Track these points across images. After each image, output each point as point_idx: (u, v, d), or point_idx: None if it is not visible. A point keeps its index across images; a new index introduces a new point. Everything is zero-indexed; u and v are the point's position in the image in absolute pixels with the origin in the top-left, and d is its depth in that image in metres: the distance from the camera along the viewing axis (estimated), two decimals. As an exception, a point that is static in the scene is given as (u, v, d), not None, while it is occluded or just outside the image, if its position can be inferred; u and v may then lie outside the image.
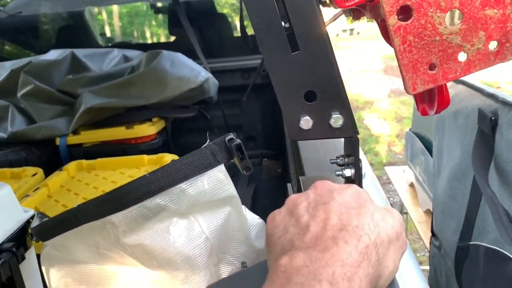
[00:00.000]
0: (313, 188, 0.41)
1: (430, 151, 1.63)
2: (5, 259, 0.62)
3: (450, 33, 0.39)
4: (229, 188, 0.50)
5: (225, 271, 0.53)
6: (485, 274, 0.94)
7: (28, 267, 0.68)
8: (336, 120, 0.47)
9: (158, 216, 0.50)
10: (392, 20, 0.39)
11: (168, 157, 1.27)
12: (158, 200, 0.49)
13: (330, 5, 0.49)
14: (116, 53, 1.77)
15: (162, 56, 1.51)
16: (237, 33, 2.22)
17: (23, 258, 0.67)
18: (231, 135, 0.49)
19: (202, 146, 0.49)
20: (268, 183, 1.76)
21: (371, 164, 3.90)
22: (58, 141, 1.49)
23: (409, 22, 0.39)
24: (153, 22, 4.02)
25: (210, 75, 1.60)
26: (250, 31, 1.90)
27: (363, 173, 0.51)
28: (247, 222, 0.53)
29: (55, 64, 1.63)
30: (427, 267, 1.77)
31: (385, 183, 3.45)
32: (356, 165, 0.50)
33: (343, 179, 0.53)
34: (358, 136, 0.49)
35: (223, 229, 0.51)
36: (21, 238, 0.68)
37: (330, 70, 0.46)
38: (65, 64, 1.65)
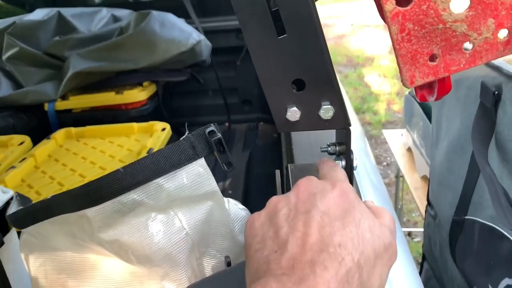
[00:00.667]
0: (295, 189, 0.38)
1: (429, 116, 1.58)
2: (-18, 246, 0.59)
3: (455, 20, 0.35)
4: (210, 182, 0.46)
5: (208, 265, 0.51)
6: (479, 249, 0.93)
7: (8, 251, 0.66)
8: (326, 111, 0.43)
9: (135, 211, 0.47)
10: (389, 6, 0.34)
11: (158, 125, 1.23)
12: (134, 195, 0.45)
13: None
14: (105, 13, 1.68)
15: (151, 17, 1.43)
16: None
17: (2, 242, 0.65)
18: (212, 127, 0.45)
19: (181, 138, 0.45)
20: (264, 148, 1.73)
21: (370, 124, 3.87)
22: (46, 106, 1.44)
23: (408, 8, 0.34)
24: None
25: (202, 37, 1.53)
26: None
27: (354, 165, 0.47)
28: (230, 217, 0.50)
29: (41, 24, 1.55)
30: (421, 229, 1.77)
31: (383, 142, 3.43)
32: (348, 156, 0.47)
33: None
34: (350, 126, 0.45)
35: (205, 224, 0.49)
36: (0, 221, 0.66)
37: (320, 56, 0.42)
38: (52, 24, 1.58)
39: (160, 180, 0.45)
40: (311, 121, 0.44)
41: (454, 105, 1.02)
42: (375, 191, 0.63)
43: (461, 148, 0.98)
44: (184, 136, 0.46)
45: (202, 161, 0.46)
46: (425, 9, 0.34)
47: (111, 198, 0.45)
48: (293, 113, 0.43)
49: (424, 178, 1.71)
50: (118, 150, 1.14)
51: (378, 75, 5.02)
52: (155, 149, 1.09)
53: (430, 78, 0.37)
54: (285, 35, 0.41)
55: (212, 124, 0.46)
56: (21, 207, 0.59)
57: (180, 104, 1.87)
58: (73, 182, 1.01)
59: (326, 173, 0.43)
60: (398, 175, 2.01)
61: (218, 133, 0.44)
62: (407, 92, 1.91)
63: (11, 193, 0.71)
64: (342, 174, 0.42)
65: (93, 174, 1.03)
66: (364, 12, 7.69)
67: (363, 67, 5.29)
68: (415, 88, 0.47)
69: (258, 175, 1.52)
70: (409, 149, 1.91)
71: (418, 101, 0.46)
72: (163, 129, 1.21)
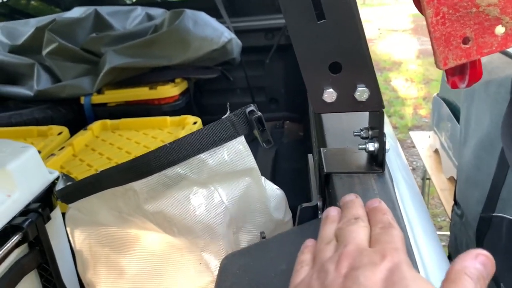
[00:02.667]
0: (337, 259, 0.33)
1: (457, 117, 1.58)
2: (32, 220, 0.64)
3: (488, 4, 0.37)
4: (249, 159, 0.49)
5: (244, 240, 0.54)
6: (508, 247, 0.93)
7: (54, 227, 0.71)
8: (362, 93, 0.45)
9: (179, 184, 0.50)
10: (426, -10, 0.36)
11: (190, 119, 1.27)
12: (179, 169, 0.49)
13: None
14: (140, 11, 1.74)
15: (185, 15, 1.48)
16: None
17: (49, 218, 0.69)
18: (252, 107, 0.48)
19: (223, 117, 0.48)
20: (290, 146, 1.75)
21: (396, 128, 3.84)
22: (82, 100, 1.50)
23: (444, -8, 0.36)
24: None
25: (233, 35, 1.57)
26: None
27: (387, 147, 0.49)
28: (266, 193, 0.53)
29: (79, 22, 1.62)
30: (447, 233, 1.76)
31: (409, 146, 3.40)
32: (380, 139, 0.49)
33: (366, 153, 0.52)
34: (383, 108, 0.48)
35: (242, 199, 0.52)
36: (47, 198, 0.70)
37: (357, 41, 0.44)
38: (89, 22, 1.64)
39: (203, 156, 0.48)
40: (347, 103, 0.46)
41: (483, 103, 1.03)
42: (410, 190, 0.64)
43: (490, 145, 0.98)
44: (225, 115, 0.49)
45: (242, 139, 0.49)
46: (459, -7, 0.36)
47: (158, 171, 0.48)
48: (330, 95, 0.46)
49: (451, 179, 1.70)
50: (152, 141, 1.18)
51: (405, 80, 4.98)
52: (187, 141, 1.13)
53: (462, 60, 0.39)
54: (324, 20, 0.44)
55: (252, 104, 0.49)
56: (69, 183, 0.63)
57: (209, 101, 1.91)
58: (109, 169, 1.05)
59: (378, 236, 0.35)
60: (425, 177, 2.00)
61: (258, 112, 0.47)
62: (435, 94, 1.91)
63: (56, 173, 0.76)
64: (399, 239, 0.34)
65: (128, 162, 1.07)
66: (392, 17, 7.64)
67: (390, 72, 5.26)
68: (446, 74, 0.49)
69: (284, 170, 1.55)
70: (436, 151, 1.90)
71: (449, 87, 0.48)
72: (195, 123, 1.25)
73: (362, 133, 0.53)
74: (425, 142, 2.04)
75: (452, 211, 1.37)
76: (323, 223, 0.41)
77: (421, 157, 1.98)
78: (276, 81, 1.97)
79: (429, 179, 1.92)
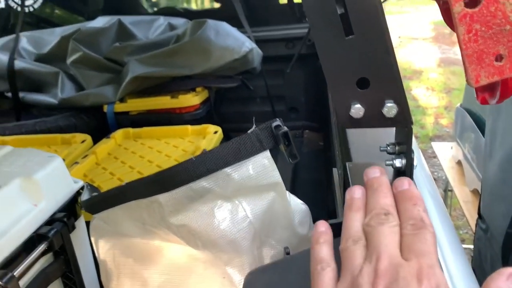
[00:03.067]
0: (374, 250, 0.33)
1: (481, 129, 1.55)
2: (57, 229, 0.64)
3: (523, 21, 0.36)
4: (274, 174, 0.49)
5: (268, 255, 0.54)
6: (535, 263, 0.91)
7: (78, 236, 0.71)
8: (390, 109, 0.45)
9: (203, 198, 0.50)
10: (458, 8, 0.36)
11: (211, 128, 1.28)
12: (204, 183, 0.49)
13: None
14: (162, 21, 1.77)
15: (207, 25, 1.49)
16: (283, 1, 2.16)
17: (74, 227, 0.70)
18: (278, 121, 0.48)
19: (248, 131, 0.48)
20: (310, 156, 1.74)
21: (417, 137, 3.80)
22: (105, 108, 1.52)
23: (476, 9, 0.36)
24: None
25: (254, 45, 1.58)
26: (296, -2, 1.85)
27: (414, 163, 0.49)
28: (291, 208, 0.52)
29: (103, 31, 1.65)
30: (470, 246, 1.72)
31: (430, 157, 3.35)
32: (408, 155, 0.48)
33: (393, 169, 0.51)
34: (412, 124, 0.47)
35: (266, 213, 0.51)
36: (72, 208, 0.71)
37: (386, 56, 0.44)
38: (112, 31, 1.67)
39: (228, 170, 0.48)
40: (375, 119, 0.46)
41: (511, 116, 1.01)
42: (433, 201, 0.63)
43: (517, 159, 0.96)
44: (251, 130, 0.49)
45: (267, 153, 0.49)
46: (493, 10, 0.36)
47: (183, 184, 0.48)
48: (357, 110, 0.45)
49: (474, 192, 1.67)
50: (174, 150, 1.19)
51: (426, 89, 4.93)
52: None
53: (495, 78, 0.39)
54: (352, 36, 0.43)
55: (277, 119, 0.49)
56: (95, 194, 0.64)
57: (229, 110, 1.92)
58: (132, 178, 1.06)
59: (411, 241, 0.34)
60: (447, 189, 1.97)
61: (284, 127, 0.47)
62: (458, 105, 1.88)
63: (81, 183, 0.77)
64: (431, 245, 0.34)
65: (151, 171, 1.08)
66: (412, 25, 7.57)
67: (411, 80, 5.20)
68: (476, 90, 0.48)
69: (304, 181, 1.54)
70: (458, 163, 1.87)
71: (479, 103, 0.47)
72: (215, 132, 1.26)
73: (388, 148, 0.52)
74: (447, 153, 2.01)
75: (476, 225, 1.34)
76: (347, 209, 0.39)
77: (443, 168, 1.95)
78: (296, 90, 1.97)
79: (451, 190, 1.89)
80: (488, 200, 1.19)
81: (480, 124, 1.56)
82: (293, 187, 1.48)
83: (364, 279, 0.32)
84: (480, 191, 1.34)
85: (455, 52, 5.61)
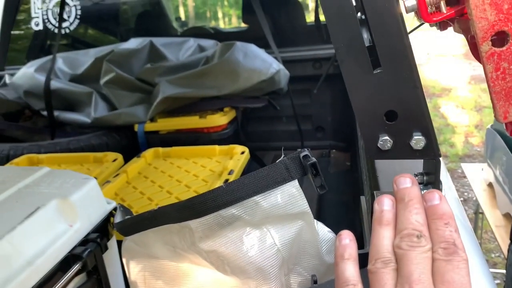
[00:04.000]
0: (405, 277, 0.33)
1: (513, 151, 1.52)
2: (91, 249, 0.67)
3: (552, 60, 0.36)
4: (302, 203, 0.50)
5: (295, 282, 0.54)
6: None
7: (110, 257, 0.74)
8: (418, 141, 0.45)
9: (233, 225, 0.51)
10: (486, 47, 0.36)
11: (238, 149, 1.30)
12: (233, 210, 0.50)
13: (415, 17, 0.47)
14: (192, 43, 1.81)
15: (236, 47, 1.53)
16: (310, 20, 2.19)
17: (106, 248, 0.72)
18: (306, 152, 0.49)
19: (277, 161, 0.49)
20: (336, 176, 1.74)
21: (446, 156, 3.72)
22: (136, 127, 1.57)
23: (504, 48, 0.36)
24: (225, 3, 4.20)
25: (281, 66, 1.60)
26: (323, 19, 1.87)
27: (443, 194, 0.49)
28: (319, 237, 0.53)
29: (135, 53, 1.70)
30: (502, 271, 1.67)
31: (460, 176, 3.28)
32: (436, 186, 0.48)
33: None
34: (440, 156, 0.47)
35: (294, 242, 0.52)
36: (105, 228, 0.74)
37: (414, 89, 0.44)
38: (144, 53, 1.73)
39: (257, 198, 0.49)
40: (402, 150, 0.46)
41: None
42: (461, 226, 0.62)
43: (551, 185, 0.94)
44: (280, 159, 0.50)
45: (295, 183, 0.50)
46: (521, 49, 0.36)
47: (213, 211, 0.50)
48: (385, 142, 0.46)
49: (506, 216, 1.62)
50: (201, 170, 1.21)
51: (456, 106, 4.84)
52: (235, 171, 1.15)
53: (524, 113, 0.39)
54: (380, 70, 0.44)
55: (306, 149, 0.50)
56: (128, 216, 0.66)
57: (255, 129, 1.94)
58: (161, 197, 1.09)
59: (443, 268, 0.34)
60: (478, 212, 1.92)
61: (313, 158, 0.48)
62: (489, 126, 1.85)
63: (114, 204, 0.79)
64: (464, 273, 0.33)
65: (179, 191, 1.10)
66: (441, 41, 7.48)
67: (439, 98, 5.13)
68: (506, 125, 0.48)
69: (331, 202, 1.53)
70: (490, 185, 1.82)
71: (508, 135, 0.47)
72: (242, 152, 1.28)
73: (417, 178, 0.52)
74: (478, 174, 1.96)
75: (508, 250, 1.30)
76: (375, 223, 0.38)
77: (474, 191, 1.90)
78: (323, 109, 1.98)
79: (482, 213, 1.84)
80: (520, 226, 1.16)
81: (511, 146, 1.52)
82: (319, 208, 1.48)
83: None
84: (512, 215, 1.31)
85: (486, 70, 5.50)
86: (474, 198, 1.96)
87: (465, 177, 2.49)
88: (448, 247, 0.34)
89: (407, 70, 0.44)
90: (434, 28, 0.52)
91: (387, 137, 0.46)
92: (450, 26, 0.51)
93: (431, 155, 0.46)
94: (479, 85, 5.25)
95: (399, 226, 0.38)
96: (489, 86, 0.39)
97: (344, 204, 1.48)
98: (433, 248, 0.35)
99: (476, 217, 1.97)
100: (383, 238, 0.37)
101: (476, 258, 0.61)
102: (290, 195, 0.50)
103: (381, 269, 0.35)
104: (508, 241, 1.32)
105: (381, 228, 0.37)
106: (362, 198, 0.62)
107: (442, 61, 6.62)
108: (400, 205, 0.39)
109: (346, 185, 1.61)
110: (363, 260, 0.47)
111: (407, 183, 0.40)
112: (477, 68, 5.79)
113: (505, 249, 1.40)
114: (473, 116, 4.54)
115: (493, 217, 1.67)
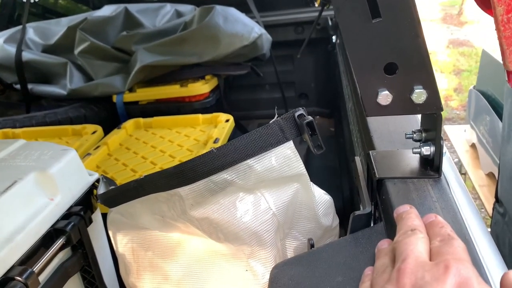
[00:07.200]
0: (397, 275, 0.32)
1: (496, 111, 1.52)
2: (74, 223, 0.64)
3: None
4: (298, 165, 0.48)
5: (291, 246, 0.52)
6: (557, 248, 0.89)
7: (95, 230, 0.71)
8: (419, 95, 0.43)
9: (225, 190, 0.49)
10: (498, -14, 0.34)
11: (222, 117, 1.26)
12: (225, 175, 0.47)
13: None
14: (169, 8, 1.74)
15: (215, 11, 1.47)
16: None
17: (91, 221, 0.69)
18: (301, 110, 0.46)
19: (270, 122, 0.46)
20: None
21: (426, 120, 3.75)
22: (115, 98, 1.51)
23: (518, -13, 0.34)
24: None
25: (263, 30, 1.55)
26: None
27: (444, 151, 0.47)
28: (315, 199, 0.51)
29: (110, 20, 1.62)
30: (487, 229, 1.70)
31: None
32: (437, 143, 0.46)
33: (420, 157, 0.49)
34: (442, 110, 0.45)
35: (290, 205, 0.50)
36: (88, 201, 0.70)
37: (415, 39, 0.42)
38: (119, 20, 1.65)
39: (250, 161, 0.47)
40: (403, 105, 0.44)
41: (530, 98, 0.98)
42: (463, 192, 0.61)
43: (539, 142, 0.94)
44: (273, 120, 0.47)
45: (290, 144, 0.47)
46: (535, -12, 0.34)
47: (204, 177, 0.47)
48: (385, 97, 0.44)
49: (489, 175, 1.65)
50: (186, 140, 1.18)
51: (435, 70, 4.85)
52: (221, 139, 1.12)
53: (535, 59, 0.37)
54: (379, 19, 0.41)
55: (301, 108, 0.47)
56: (112, 187, 0.63)
57: (238, 97, 1.90)
58: (145, 168, 1.05)
59: (438, 248, 0.34)
60: (461, 172, 1.94)
61: (308, 116, 0.45)
62: (471, 87, 1.85)
63: (96, 175, 0.76)
64: (461, 250, 0.33)
65: (163, 161, 1.07)
66: (419, 6, 7.44)
67: (419, 63, 5.13)
68: (508, 74, 0.46)
69: (317, 168, 1.52)
70: (472, 146, 1.84)
71: (509, 86, 0.45)
72: (227, 120, 1.24)
73: (414, 135, 0.50)
74: (460, 136, 1.98)
75: (493, 209, 1.32)
76: (376, 257, 0.40)
77: (457, 152, 1.92)
78: (306, 75, 1.94)
79: (465, 174, 1.86)
80: (506, 185, 1.17)
81: (495, 107, 1.53)
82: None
83: (390, 282, 0.32)
84: (496, 174, 1.32)
85: (464, 33, 5.52)
86: (457, 160, 1.98)
87: (446, 139, 2.51)
88: (444, 238, 0.35)
89: (408, 18, 0.41)
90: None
91: (386, 92, 0.43)
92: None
93: (433, 109, 0.44)
94: (457, 48, 5.27)
95: (397, 233, 0.39)
96: (498, 31, 0.36)
97: (330, 168, 1.47)
98: (430, 241, 0.35)
99: (459, 178, 1.99)
100: (382, 260, 0.38)
101: (481, 227, 0.59)
102: (285, 157, 0.47)
103: (380, 271, 0.36)
104: (492, 200, 1.34)
105: (380, 257, 0.39)
106: (357, 159, 0.60)
107: (421, 26, 6.59)
108: (398, 221, 0.41)
109: (330, 151, 1.60)
110: (366, 220, 0.45)
111: (405, 207, 0.42)
112: (455, 32, 5.80)
113: (488, 207, 1.42)
114: (452, 80, 4.56)
115: (476, 177, 1.69)
